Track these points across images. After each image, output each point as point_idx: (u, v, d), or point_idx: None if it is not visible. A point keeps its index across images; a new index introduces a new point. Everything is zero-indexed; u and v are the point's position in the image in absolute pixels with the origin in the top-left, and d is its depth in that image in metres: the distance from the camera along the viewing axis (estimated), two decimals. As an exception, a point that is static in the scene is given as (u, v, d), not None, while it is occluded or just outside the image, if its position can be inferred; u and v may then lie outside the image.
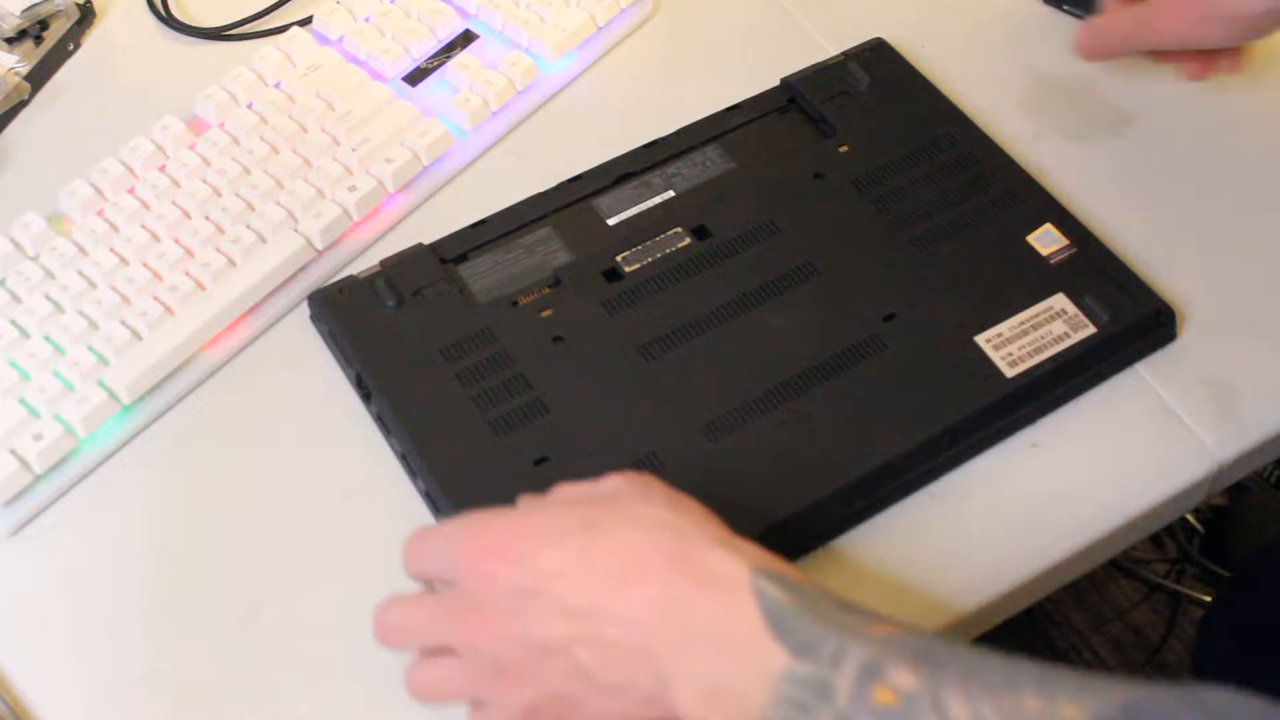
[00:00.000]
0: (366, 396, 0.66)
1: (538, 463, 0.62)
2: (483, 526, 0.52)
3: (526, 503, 0.54)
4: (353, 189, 0.73)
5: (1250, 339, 0.69)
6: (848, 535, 0.62)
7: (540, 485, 0.55)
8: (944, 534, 0.63)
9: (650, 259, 0.69)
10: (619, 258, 0.69)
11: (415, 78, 0.79)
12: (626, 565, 0.49)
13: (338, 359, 0.68)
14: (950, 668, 0.45)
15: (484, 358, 0.65)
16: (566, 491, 0.54)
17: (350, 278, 0.69)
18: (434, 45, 0.80)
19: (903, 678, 0.44)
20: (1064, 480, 0.64)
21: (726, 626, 0.47)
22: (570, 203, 0.72)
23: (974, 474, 0.64)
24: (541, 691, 0.50)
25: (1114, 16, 0.75)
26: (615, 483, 0.54)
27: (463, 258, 0.70)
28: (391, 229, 0.74)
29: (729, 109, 0.76)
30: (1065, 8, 0.85)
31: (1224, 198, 0.75)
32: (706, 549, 0.49)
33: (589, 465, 0.57)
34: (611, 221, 0.71)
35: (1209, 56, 0.75)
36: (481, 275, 0.69)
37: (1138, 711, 0.42)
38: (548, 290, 0.68)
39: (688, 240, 0.70)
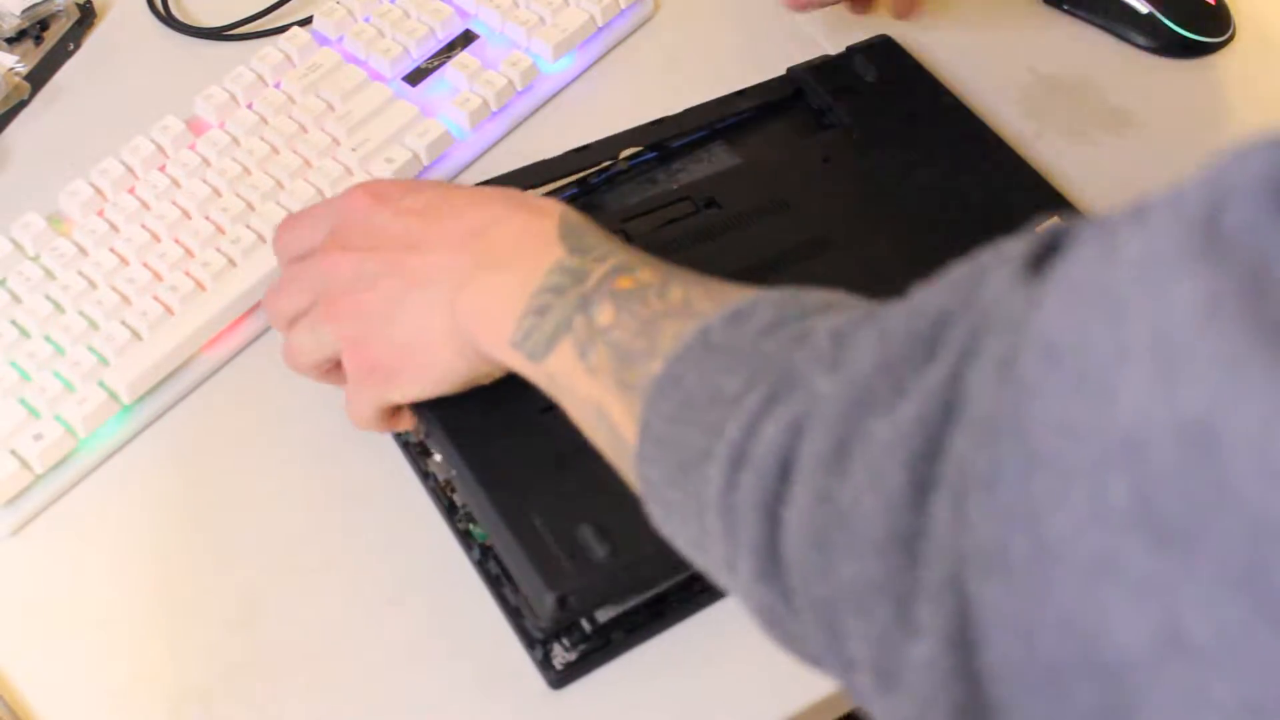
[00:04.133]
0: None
1: (544, 410, 0.57)
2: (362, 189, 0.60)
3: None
4: (353, 189, 0.72)
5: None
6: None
7: (547, 432, 0.55)
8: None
9: (659, 225, 0.68)
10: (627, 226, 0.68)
11: (415, 78, 0.79)
12: (467, 196, 0.57)
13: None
14: (688, 275, 0.50)
15: None
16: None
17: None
18: (434, 45, 0.80)
19: (645, 275, 0.50)
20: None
21: (524, 235, 0.54)
22: (577, 194, 0.72)
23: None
24: (363, 297, 0.57)
25: None
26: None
27: None
28: (392, 229, 0.74)
29: (735, 94, 0.76)
30: (1065, 8, 0.85)
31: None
32: (532, 196, 0.57)
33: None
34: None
35: None
36: None
37: (753, 305, 0.45)
38: None
39: (697, 211, 0.69)
